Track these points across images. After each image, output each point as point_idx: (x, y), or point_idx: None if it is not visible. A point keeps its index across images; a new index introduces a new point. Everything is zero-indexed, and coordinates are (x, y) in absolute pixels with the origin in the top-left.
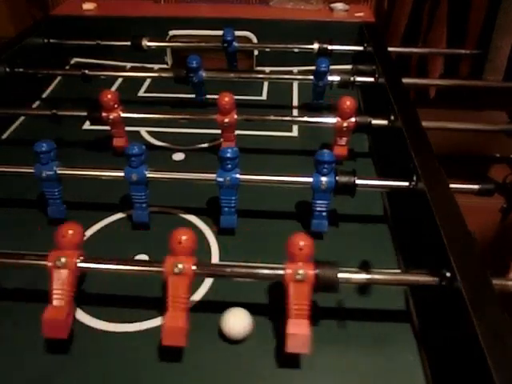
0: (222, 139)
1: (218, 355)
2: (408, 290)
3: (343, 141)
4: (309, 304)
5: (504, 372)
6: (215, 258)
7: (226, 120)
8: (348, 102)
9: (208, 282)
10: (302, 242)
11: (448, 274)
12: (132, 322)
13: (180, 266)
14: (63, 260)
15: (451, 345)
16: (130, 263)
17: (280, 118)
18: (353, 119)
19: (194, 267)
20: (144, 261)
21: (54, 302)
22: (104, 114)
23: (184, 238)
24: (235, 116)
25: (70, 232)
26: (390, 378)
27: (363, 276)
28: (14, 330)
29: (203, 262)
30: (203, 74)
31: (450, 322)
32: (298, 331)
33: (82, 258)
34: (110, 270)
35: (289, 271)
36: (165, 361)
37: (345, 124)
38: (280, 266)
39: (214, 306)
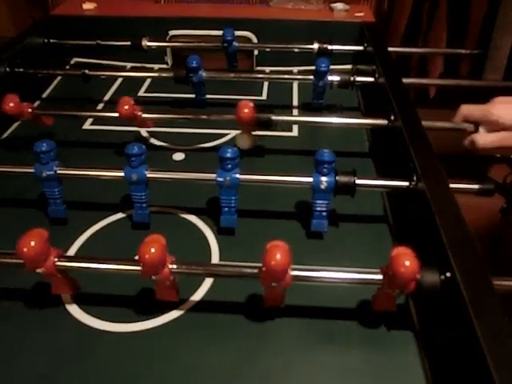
0: None
1: (218, 355)
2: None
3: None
4: None
5: (504, 372)
6: (215, 258)
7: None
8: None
9: (208, 281)
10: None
11: (448, 274)
12: (132, 322)
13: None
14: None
15: (451, 345)
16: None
17: (280, 118)
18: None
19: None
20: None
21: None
22: None
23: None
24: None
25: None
26: (389, 377)
27: (363, 276)
28: (14, 330)
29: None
30: (203, 74)
31: (450, 322)
32: None
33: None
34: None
35: None
36: (165, 360)
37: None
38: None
39: (214, 306)
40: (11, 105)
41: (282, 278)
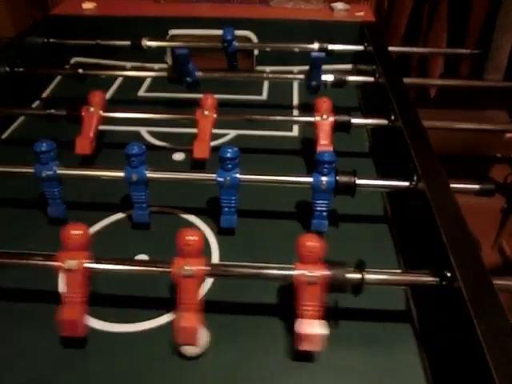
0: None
1: (218, 355)
2: (408, 289)
3: None
4: (320, 304)
5: (504, 372)
6: (215, 258)
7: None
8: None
9: (208, 281)
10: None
11: (448, 274)
12: (132, 323)
13: (188, 268)
14: (72, 262)
15: (451, 345)
16: (137, 264)
17: (280, 117)
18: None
19: (203, 268)
20: (153, 261)
21: (68, 302)
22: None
23: (192, 238)
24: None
25: (77, 233)
26: (390, 377)
27: (363, 276)
28: (14, 330)
29: (214, 263)
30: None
31: (451, 322)
32: (309, 331)
33: (88, 259)
34: (117, 270)
35: (299, 272)
36: (165, 361)
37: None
38: (291, 266)
39: (214, 306)
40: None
41: None
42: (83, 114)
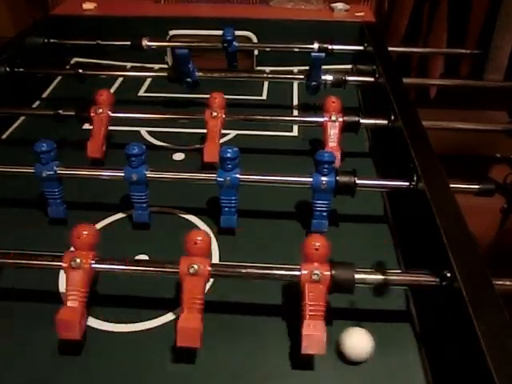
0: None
1: (218, 355)
2: (408, 289)
3: None
4: (325, 305)
5: (504, 372)
6: (215, 258)
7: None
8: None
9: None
10: (317, 242)
11: (448, 274)
12: (133, 323)
13: (195, 266)
14: (78, 261)
15: (451, 345)
16: (141, 264)
17: (280, 117)
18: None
19: (209, 268)
20: (157, 261)
21: (69, 303)
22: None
23: (199, 238)
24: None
25: (85, 233)
26: (390, 377)
27: (362, 276)
28: (15, 331)
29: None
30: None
31: (451, 322)
32: (314, 332)
33: (96, 259)
34: (123, 270)
35: (304, 272)
36: (166, 361)
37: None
38: (296, 266)
39: (214, 306)
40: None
41: None
42: (92, 115)
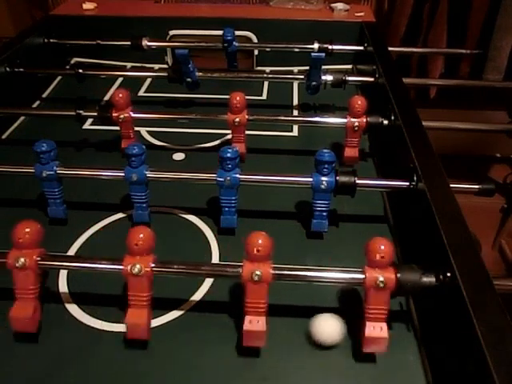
0: (231, 138)
1: (218, 355)
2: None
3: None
4: (387, 308)
5: (504, 372)
6: (215, 258)
7: (237, 119)
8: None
9: (208, 281)
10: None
11: (448, 274)
12: None
13: (258, 273)
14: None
15: (451, 345)
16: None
17: (280, 117)
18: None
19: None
20: (216, 264)
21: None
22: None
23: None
24: (246, 116)
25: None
26: (390, 377)
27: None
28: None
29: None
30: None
31: (451, 322)
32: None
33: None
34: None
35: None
36: (165, 360)
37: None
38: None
39: (213, 306)
40: None
41: None
42: (114, 115)
